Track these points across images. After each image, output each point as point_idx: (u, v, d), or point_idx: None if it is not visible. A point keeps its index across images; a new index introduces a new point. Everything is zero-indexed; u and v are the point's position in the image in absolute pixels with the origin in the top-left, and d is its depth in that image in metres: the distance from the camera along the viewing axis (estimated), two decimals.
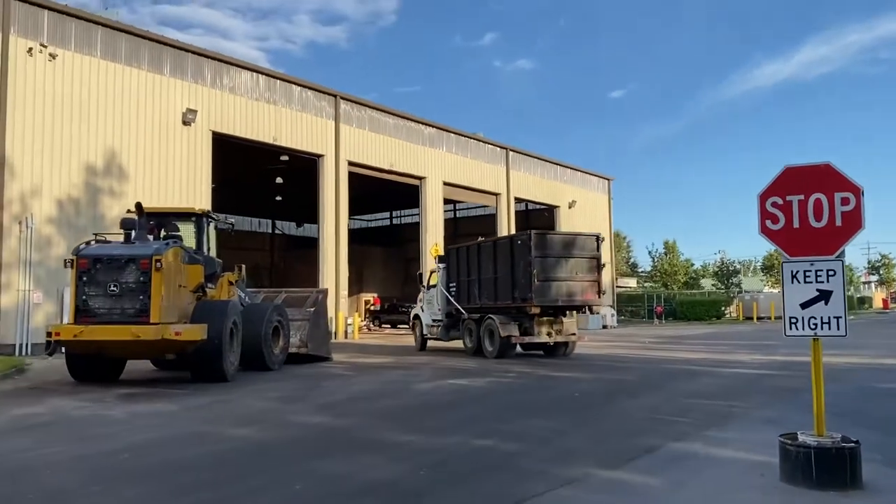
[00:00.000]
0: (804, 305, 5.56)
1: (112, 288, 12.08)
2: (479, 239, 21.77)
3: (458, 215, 56.45)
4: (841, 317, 5.46)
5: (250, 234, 59.85)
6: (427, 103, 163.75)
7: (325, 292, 19.54)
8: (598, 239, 19.65)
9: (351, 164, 32.40)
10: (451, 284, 22.22)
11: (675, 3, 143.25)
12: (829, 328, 5.48)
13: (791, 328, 5.62)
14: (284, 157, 33.34)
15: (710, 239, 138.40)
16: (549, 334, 18.85)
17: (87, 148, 23.23)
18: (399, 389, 12.12)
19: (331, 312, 30.93)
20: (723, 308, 57.85)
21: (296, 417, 8.95)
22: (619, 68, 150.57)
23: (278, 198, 52.15)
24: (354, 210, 60.87)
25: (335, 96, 31.80)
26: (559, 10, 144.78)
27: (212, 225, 15.55)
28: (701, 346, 24.16)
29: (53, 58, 22.51)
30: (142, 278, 12.12)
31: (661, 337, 30.77)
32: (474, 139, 39.73)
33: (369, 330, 44.68)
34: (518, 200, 43.78)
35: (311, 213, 57.90)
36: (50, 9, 22.52)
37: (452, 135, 38.30)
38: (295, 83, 30.45)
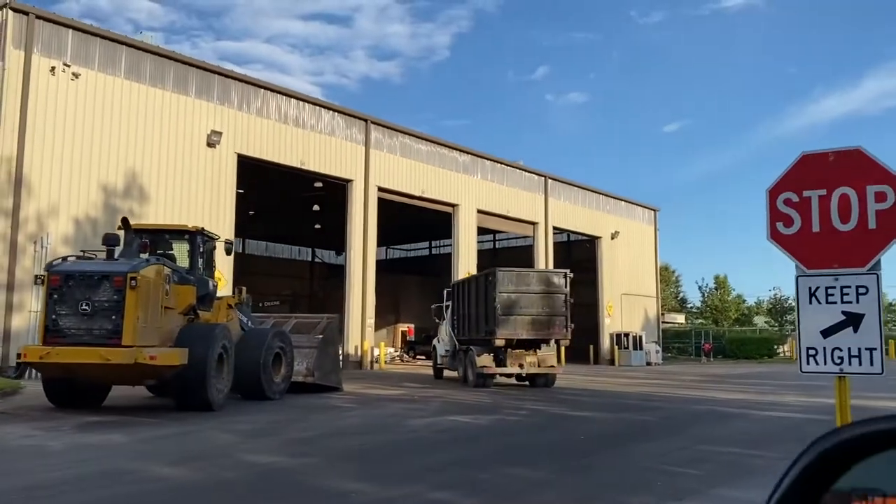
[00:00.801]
0: (826, 333, 4.25)
1: (84, 307, 11.25)
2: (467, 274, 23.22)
3: (497, 245, 55.28)
4: (876, 348, 4.14)
5: (290, 262, 59.74)
6: (476, 137, 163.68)
7: (335, 319, 18.53)
8: (565, 275, 20.27)
9: (381, 189, 31.61)
10: (453, 317, 22.93)
11: (729, 36, 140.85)
12: (860, 363, 4.16)
13: (809, 362, 4.31)
14: (318, 184, 32.65)
15: (764, 276, 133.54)
16: (520, 366, 19.51)
17: (107, 168, 22.89)
18: (391, 425, 10.94)
19: (356, 341, 30.05)
20: (775, 346, 54.98)
21: (247, 456, 7.85)
22: (674, 101, 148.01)
23: (317, 226, 51.83)
24: (392, 240, 60.70)
25: (366, 121, 31.15)
26: (612, 43, 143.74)
27: (209, 244, 14.72)
28: (745, 385, 22.34)
29: (76, 77, 22.32)
30: (115, 297, 11.26)
31: (704, 375, 28.86)
32: (510, 166, 38.63)
33: (402, 361, 43.58)
34: (557, 230, 42.37)
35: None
36: (74, 28, 22.41)
37: (488, 161, 37.29)
38: (325, 107, 29.93)
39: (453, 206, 35.20)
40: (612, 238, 44.35)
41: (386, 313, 56.39)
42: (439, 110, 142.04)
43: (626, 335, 41.26)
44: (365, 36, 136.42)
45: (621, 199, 46.07)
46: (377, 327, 55.50)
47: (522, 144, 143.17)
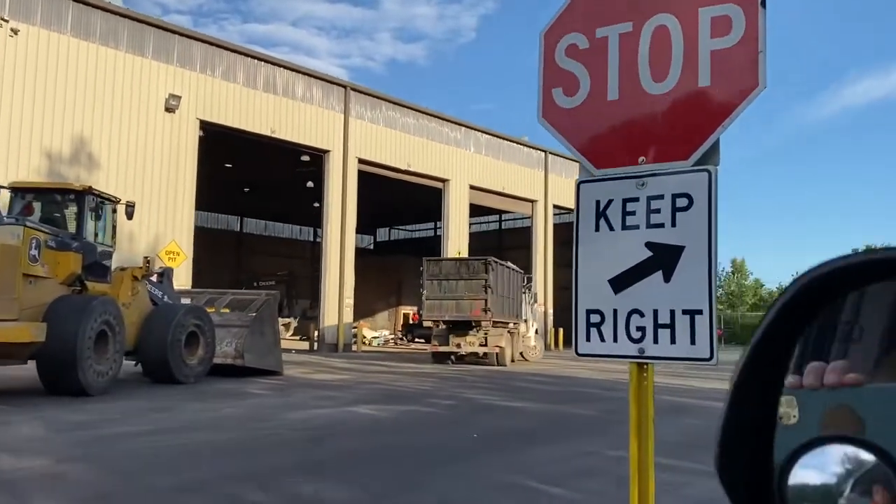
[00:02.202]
0: (617, 283, 2.30)
1: None
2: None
3: (503, 226, 53.23)
4: (702, 311, 2.18)
5: (290, 241, 58.22)
6: (503, 120, 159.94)
7: (275, 296, 16.75)
8: (486, 262, 22.07)
9: (362, 161, 29.70)
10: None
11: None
12: (673, 339, 2.20)
13: (589, 337, 2.35)
14: (305, 158, 30.81)
15: (786, 260, 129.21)
16: (458, 345, 21.68)
17: (52, 133, 21.28)
18: (262, 418, 9.06)
19: (333, 321, 28.33)
20: None
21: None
22: None
23: (316, 204, 50.19)
24: (395, 220, 58.86)
25: (345, 87, 29.26)
26: None
27: (104, 206, 12.97)
28: None
29: (15, 33, 20.69)
30: None
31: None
32: (508, 140, 36.49)
33: (396, 344, 41.88)
34: (558, 209, 40.24)
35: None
36: None
37: (483, 135, 35.19)
38: (299, 72, 28.06)
39: (443, 181, 33.22)
40: None
41: (388, 295, 54.70)
42: (465, 94, 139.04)
43: None
44: (391, 18, 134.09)
45: None
46: (377, 310, 54.10)
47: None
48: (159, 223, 23.56)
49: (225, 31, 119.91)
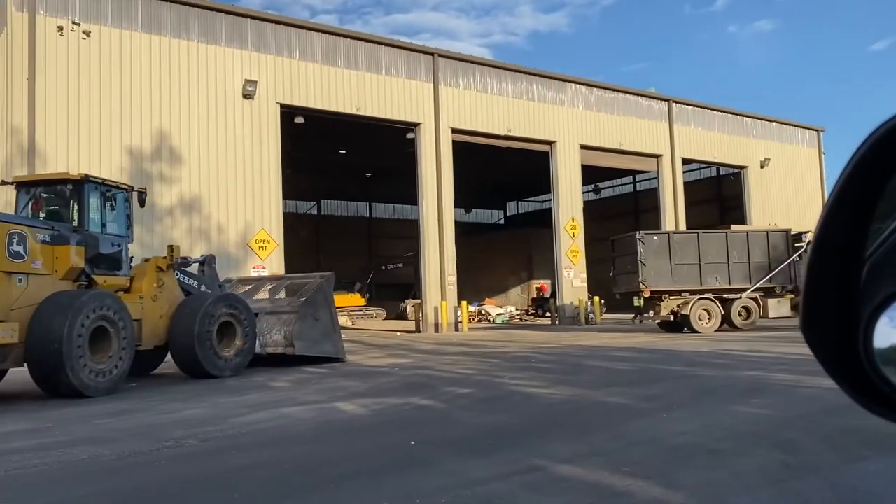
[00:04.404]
0: None
1: None
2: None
3: (637, 188, 49.70)
4: None
5: (416, 222, 57.61)
6: (656, 79, 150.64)
7: (329, 278, 15.54)
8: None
9: (456, 131, 28.02)
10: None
11: None
12: None
13: None
14: (411, 135, 29.48)
15: None
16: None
17: (131, 131, 21.41)
18: (201, 423, 7.67)
19: (435, 301, 27.02)
20: None
21: None
22: (882, 14, 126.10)
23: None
24: (524, 192, 56.56)
25: (432, 55, 27.64)
26: None
27: (116, 195, 12.21)
28: None
29: (87, 35, 20.92)
30: None
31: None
32: (623, 92, 33.30)
33: (521, 320, 40.01)
34: (689, 162, 36.50)
35: (479, 197, 54.67)
36: None
37: (594, 90, 32.31)
38: (381, 43, 26.80)
39: (550, 143, 30.80)
40: (762, 167, 37.53)
41: (519, 270, 52.75)
42: (614, 57, 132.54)
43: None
44: None
45: (772, 121, 38.80)
46: (510, 286, 52.36)
47: (709, 83, 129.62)
48: (247, 212, 23.23)
49: (370, 25, 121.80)
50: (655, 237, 23.07)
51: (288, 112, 24.60)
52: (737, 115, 37.29)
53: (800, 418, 6.55)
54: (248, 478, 4.97)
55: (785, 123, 39.44)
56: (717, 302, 21.64)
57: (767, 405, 7.50)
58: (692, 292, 21.69)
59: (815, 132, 40.64)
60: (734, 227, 25.44)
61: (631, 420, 6.79)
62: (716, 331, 21.13)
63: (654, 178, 42.25)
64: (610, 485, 4.42)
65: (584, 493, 4.26)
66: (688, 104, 35.30)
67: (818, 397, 7.15)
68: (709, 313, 21.64)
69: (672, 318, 21.82)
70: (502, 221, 60.76)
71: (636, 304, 23.54)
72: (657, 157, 34.18)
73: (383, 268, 45.85)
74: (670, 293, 21.84)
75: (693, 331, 21.26)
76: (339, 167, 43.86)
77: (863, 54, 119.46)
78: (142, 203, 12.64)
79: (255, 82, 23.32)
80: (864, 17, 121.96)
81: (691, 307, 21.27)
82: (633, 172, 44.47)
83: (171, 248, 13.10)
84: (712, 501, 4.13)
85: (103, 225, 11.87)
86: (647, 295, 21.79)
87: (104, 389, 10.52)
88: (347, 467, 5.21)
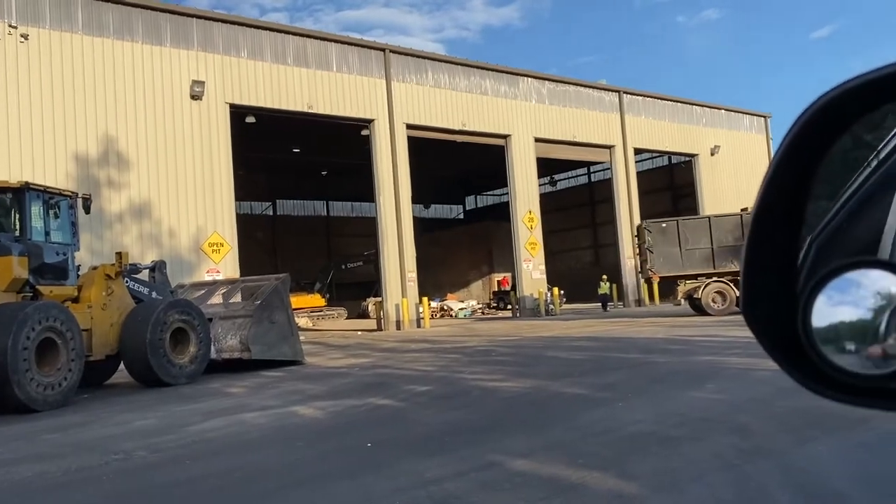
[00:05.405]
0: None
1: None
2: None
3: (592, 179, 50.19)
4: None
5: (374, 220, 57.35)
6: (608, 71, 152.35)
7: (284, 279, 15.34)
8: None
9: (410, 127, 27.90)
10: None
11: None
12: None
13: None
14: (365, 132, 29.20)
15: None
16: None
17: (76, 136, 20.81)
18: (154, 433, 7.50)
19: (396, 299, 26.92)
20: None
21: None
22: (822, 3, 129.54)
23: None
24: (483, 187, 56.67)
25: (383, 51, 27.46)
26: None
27: (59, 202, 11.86)
28: None
29: (26, 38, 20.27)
30: None
31: None
32: (574, 84, 33.54)
33: (483, 313, 40.11)
34: (641, 152, 36.96)
35: (438, 193, 54.65)
36: None
37: (546, 83, 32.47)
38: (332, 40, 26.53)
39: (504, 136, 30.86)
40: (713, 154, 38.18)
41: (480, 264, 52.87)
42: (566, 50, 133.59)
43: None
44: None
45: (721, 108, 39.52)
46: (471, 280, 52.47)
47: (659, 74, 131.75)
48: (199, 215, 22.80)
49: (321, 22, 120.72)
50: (664, 224, 24.03)
51: (238, 112, 24.23)
52: (686, 103, 37.87)
53: (752, 402, 6.65)
54: (193, 491, 4.85)
55: (733, 111, 40.20)
56: (731, 284, 22.24)
57: (721, 390, 7.61)
58: (708, 276, 22.49)
59: (762, 118, 41.52)
60: (750, 210, 26.07)
61: (587, 410, 6.82)
62: (729, 313, 21.58)
63: (608, 168, 42.82)
64: (565, 477, 4.42)
65: (538, 488, 4.24)
66: (638, 94, 35.73)
67: (770, 380, 7.26)
68: (722, 295, 22.35)
69: (685, 301, 23.03)
70: (462, 216, 60.81)
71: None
72: (610, 147, 34.54)
73: (343, 267, 45.48)
74: (686, 277, 22.69)
75: (705, 313, 22.01)
76: (294, 166, 43.41)
77: (805, 41, 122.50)
78: (87, 210, 12.30)
79: (202, 83, 22.88)
80: (805, 4, 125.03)
81: (703, 290, 22.13)
82: (588, 164, 44.82)
83: (119, 254, 12.79)
84: (667, 489, 4.15)
85: (47, 233, 11.53)
86: (656, 280, 23.31)
87: (54, 402, 10.23)
88: (301, 473, 5.12)
